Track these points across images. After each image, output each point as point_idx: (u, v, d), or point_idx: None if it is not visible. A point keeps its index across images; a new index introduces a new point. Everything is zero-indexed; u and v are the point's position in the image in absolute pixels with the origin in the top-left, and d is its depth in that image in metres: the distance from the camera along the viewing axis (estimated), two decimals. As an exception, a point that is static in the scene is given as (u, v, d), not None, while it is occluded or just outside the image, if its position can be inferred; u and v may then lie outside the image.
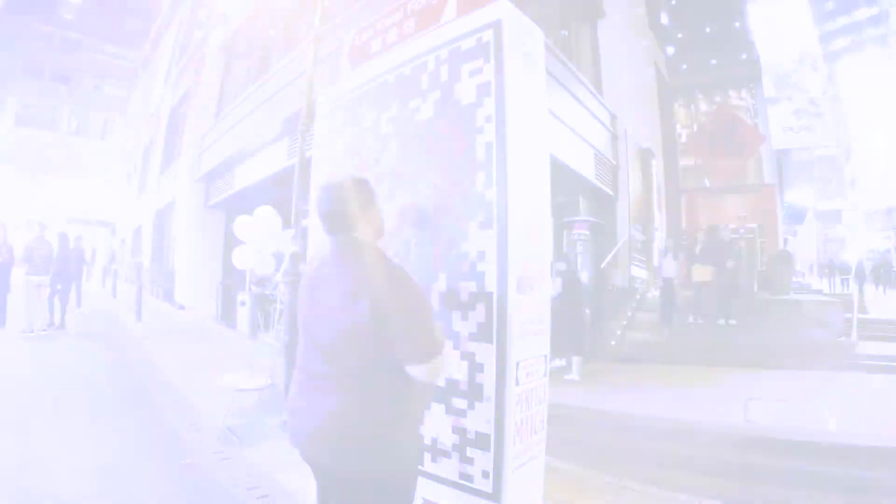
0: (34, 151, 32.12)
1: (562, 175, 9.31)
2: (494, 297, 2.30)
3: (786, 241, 13.98)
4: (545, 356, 2.50)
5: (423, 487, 2.56)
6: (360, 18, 6.35)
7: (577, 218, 9.67)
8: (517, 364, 2.29)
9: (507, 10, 2.42)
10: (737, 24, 18.42)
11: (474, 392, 2.37)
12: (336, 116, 3.36)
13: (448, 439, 2.47)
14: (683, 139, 17.63)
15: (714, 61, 18.19)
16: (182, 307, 12.94)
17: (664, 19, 18.60)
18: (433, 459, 2.53)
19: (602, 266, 10.30)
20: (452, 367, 2.45)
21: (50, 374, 6.08)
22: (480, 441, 2.34)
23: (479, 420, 2.35)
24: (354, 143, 3.18)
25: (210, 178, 14.04)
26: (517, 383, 2.29)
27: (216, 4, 16.20)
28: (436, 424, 2.52)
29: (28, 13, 31.77)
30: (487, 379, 2.32)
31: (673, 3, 18.89)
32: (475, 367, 2.37)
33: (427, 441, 2.55)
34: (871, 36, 45.25)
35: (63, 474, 3.44)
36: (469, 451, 2.38)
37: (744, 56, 18.01)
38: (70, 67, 34.38)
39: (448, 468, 2.47)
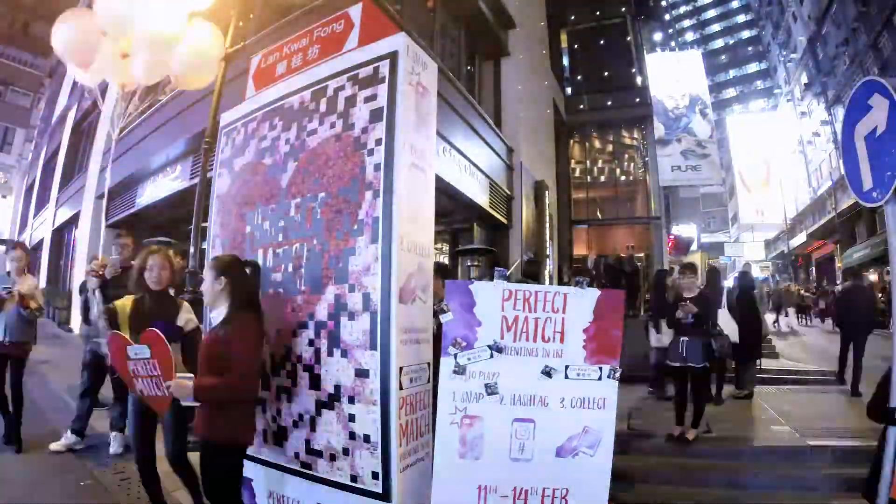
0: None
1: (458, 203, 9.59)
2: (378, 307, 2.47)
3: (672, 269, 15.04)
4: (428, 363, 2.69)
5: (316, 491, 2.65)
6: (267, 41, 6.38)
7: (470, 246, 10.06)
8: (400, 370, 2.45)
9: (404, 43, 2.64)
10: (633, 70, 19.88)
11: (361, 397, 2.51)
12: (238, 136, 3.43)
13: (339, 443, 2.57)
14: (577, 173, 18.67)
15: (609, 102, 19.51)
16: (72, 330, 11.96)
17: (565, 61, 19.88)
18: (325, 463, 2.62)
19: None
20: (341, 373, 2.58)
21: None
22: (369, 443, 2.47)
23: (367, 423, 2.48)
24: (254, 163, 3.26)
25: (111, 195, 13.22)
26: (401, 388, 2.46)
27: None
28: (326, 429, 2.62)
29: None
30: (373, 384, 2.47)
31: (575, 47, 20.24)
32: (361, 373, 2.51)
33: (319, 445, 2.65)
34: (759, 88, 51.51)
35: None
36: (359, 454, 2.50)
37: (637, 99, 19.42)
38: (-30, 73, 31.19)
39: (339, 471, 2.57)
